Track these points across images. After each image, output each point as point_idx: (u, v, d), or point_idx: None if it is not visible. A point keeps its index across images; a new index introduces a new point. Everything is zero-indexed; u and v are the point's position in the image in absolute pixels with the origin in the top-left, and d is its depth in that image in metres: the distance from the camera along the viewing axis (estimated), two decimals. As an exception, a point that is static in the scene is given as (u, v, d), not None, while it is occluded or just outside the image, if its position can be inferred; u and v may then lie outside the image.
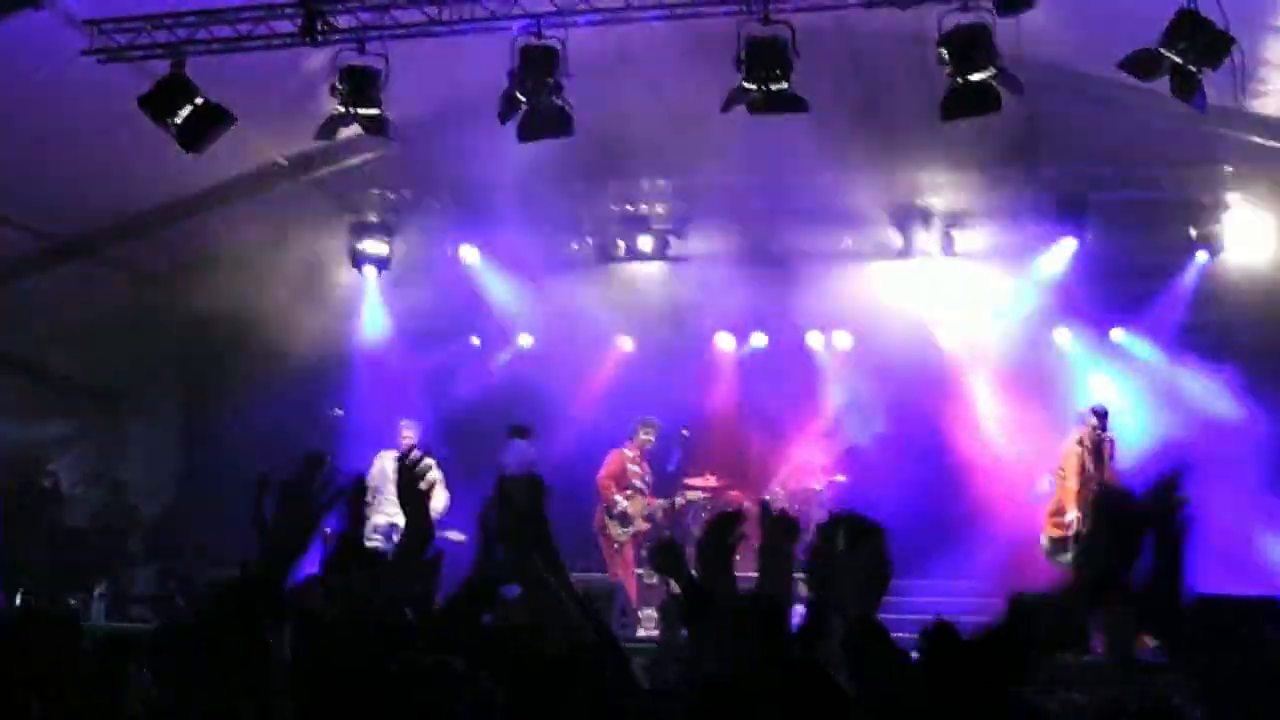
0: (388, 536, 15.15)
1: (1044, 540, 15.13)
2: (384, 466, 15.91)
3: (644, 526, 16.63)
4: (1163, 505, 3.31)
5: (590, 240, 19.78)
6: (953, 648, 3.28)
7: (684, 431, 17.87)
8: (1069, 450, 15.27)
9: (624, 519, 16.39)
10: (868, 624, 3.59)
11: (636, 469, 16.56)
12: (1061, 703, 4.98)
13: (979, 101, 12.46)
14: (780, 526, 5.13)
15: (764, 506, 5.25)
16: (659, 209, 19.27)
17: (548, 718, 3.93)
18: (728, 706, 3.28)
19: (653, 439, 16.71)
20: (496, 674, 4.02)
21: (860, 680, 3.36)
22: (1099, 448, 15.11)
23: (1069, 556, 14.39)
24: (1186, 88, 11.68)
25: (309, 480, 4.22)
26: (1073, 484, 14.97)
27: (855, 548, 3.73)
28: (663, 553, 5.46)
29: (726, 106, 13.05)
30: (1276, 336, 17.70)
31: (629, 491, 16.41)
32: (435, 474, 15.86)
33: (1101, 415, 15.35)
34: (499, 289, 19.67)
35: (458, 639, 4.26)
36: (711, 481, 17.33)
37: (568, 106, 13.10)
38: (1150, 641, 14.13)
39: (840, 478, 18.03)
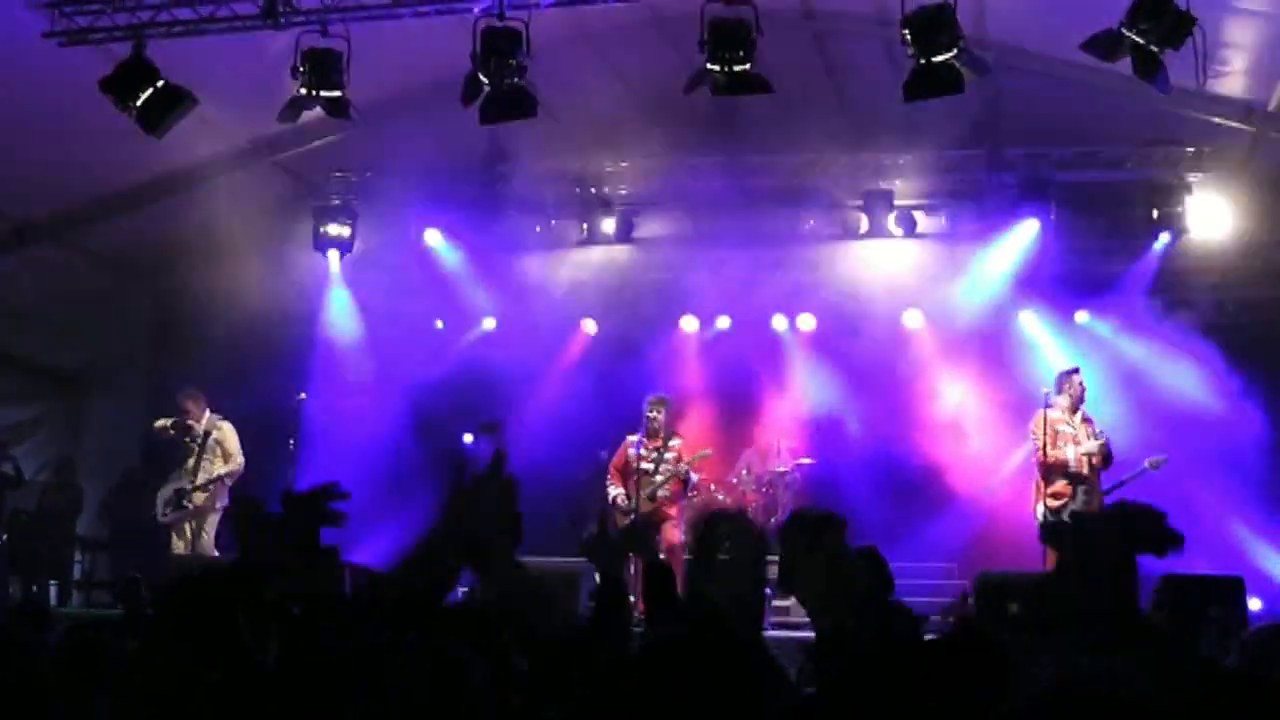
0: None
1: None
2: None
3: (648, 507, 16.25)
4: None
5: (553, 223, 19.75)
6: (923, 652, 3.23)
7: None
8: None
9: (617, 506, 16.23)
10: (838, 636, 3.51)
11: (643, 452, 16.31)
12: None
13: (942, 82, 12.45)
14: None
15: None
16: (622, 191, 19.26)
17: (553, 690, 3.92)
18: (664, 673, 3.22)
19: (660, 415, 16.33)
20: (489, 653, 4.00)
21: (827, 691, 3.30)
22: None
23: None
24: (1148, 68, 11.71)
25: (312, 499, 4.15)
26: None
27: (814, 549, 3.61)
28: (591, 546, 5.44)
29: (689, 88, 13.03)
30: (1239, 316, 17.81)
31: (635, 478, 16.21)
32: (227, 430, 15.84)
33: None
34: (462, 272, 19.62)
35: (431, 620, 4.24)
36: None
37: (530, 88, 13.06)
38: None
39: (806, 460, 18.07)
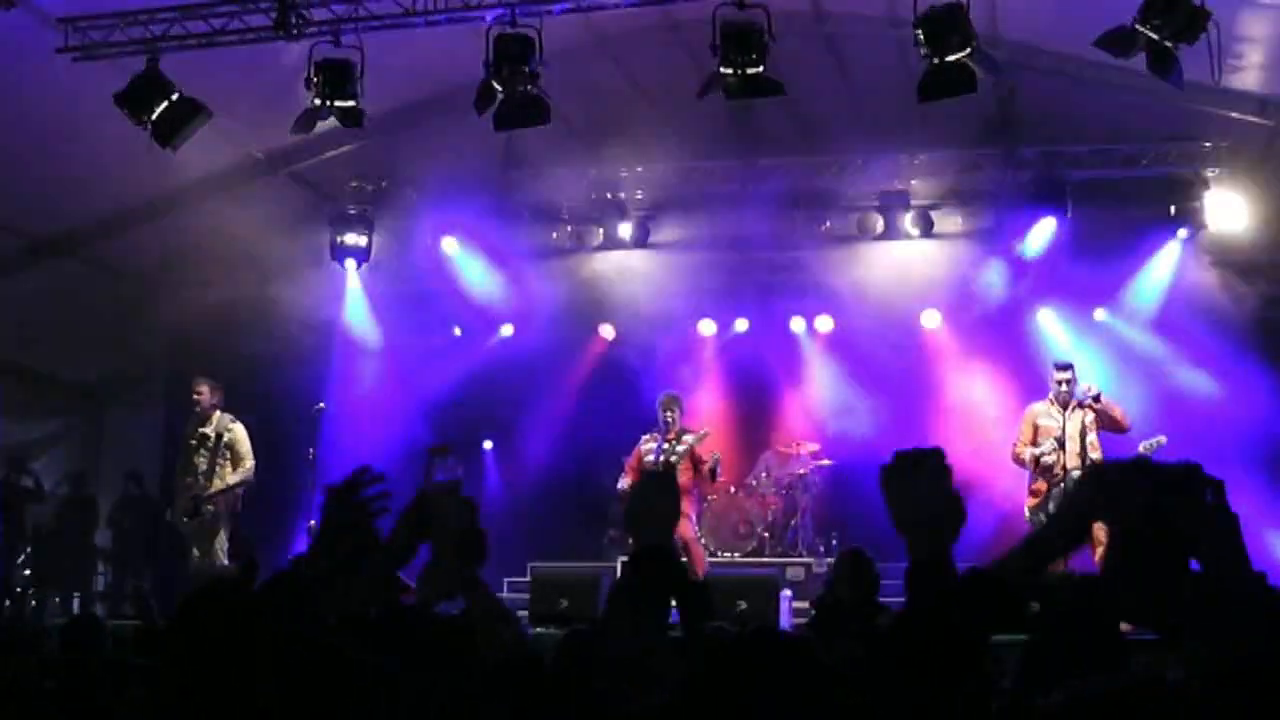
0: None
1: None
2: None
3: None
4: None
5: (570, 228, 19.75)
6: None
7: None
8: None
9: (622, 498, 16.18)
10: (933, 563, 3.47)
11: (650, 445, 16.21)
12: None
13: (955, 82, 12.44)
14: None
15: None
16: (638, 195, 19.22)
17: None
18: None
19: (674, 413, 16.20)
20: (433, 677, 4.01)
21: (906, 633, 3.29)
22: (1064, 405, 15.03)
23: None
24: (1163, 64, 11.68)
25: (355, 491, 4.15)
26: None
27: (915, 480, 3.59)
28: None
29: (703, 91, 13.04)
30: (1258, 311, 17.75)
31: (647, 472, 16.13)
32: (239, 432, 15.64)
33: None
34: (479, 279, 19.62)
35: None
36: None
37: (543, 95, 13.07)
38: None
39: (825, 461, 18.06)
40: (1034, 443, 14.81)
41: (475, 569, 4.40)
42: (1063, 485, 14.49)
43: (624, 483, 16.05)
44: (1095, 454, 14.56)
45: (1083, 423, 14.71)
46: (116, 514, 19.98)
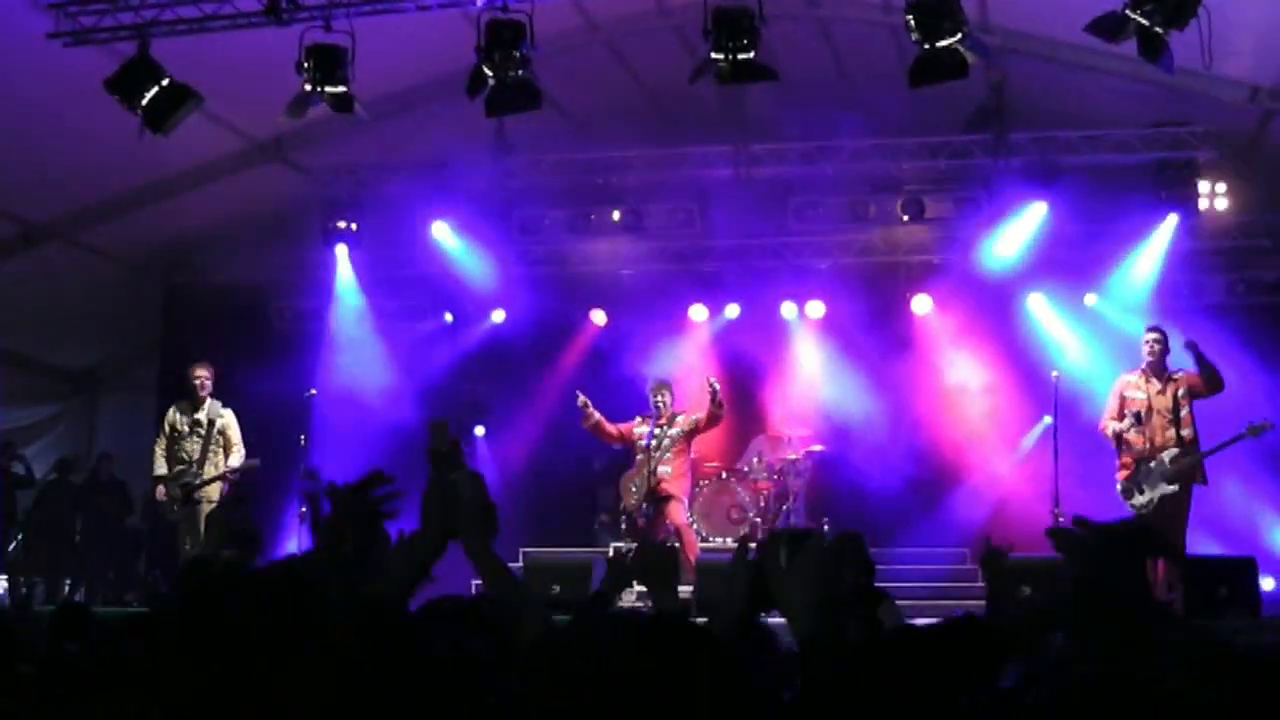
0: None
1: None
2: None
3: (652, 483, 16.12)
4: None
5: (560, 213, 19.72)
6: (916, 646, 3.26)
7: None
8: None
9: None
10: (817, 644, 3.49)
11: (643, 429, 16.21)
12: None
13: (946, 68, 12.44)
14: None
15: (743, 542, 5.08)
16: (629, 181, 19.20)
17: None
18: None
19: (665, 398, 16.21)
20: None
21: (809, 700, 3.30)
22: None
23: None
24: (1153, 49, 11.68)
25: (367, 492, 4.15)
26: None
27: (793, 561, 3.60)
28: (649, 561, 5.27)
29: (694, 77, 13.03)
30: (1249, 296, 17.80)
31: (640, 457, 16.14)
32: (230, 418, 15.65)
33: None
34: (470, 264, 19.59)
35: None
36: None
37: (535, 80, 13.06)
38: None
39: (817, 447, 18.06)
40: (1119, 417, 14.32)
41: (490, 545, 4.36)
42: (1152, 463, 14.04)
43: (607, 425, 16.01)
44: (1187, 430, 14.18)
45: (1175, 396, 14.19)
46: (90, 499, 19.85)
